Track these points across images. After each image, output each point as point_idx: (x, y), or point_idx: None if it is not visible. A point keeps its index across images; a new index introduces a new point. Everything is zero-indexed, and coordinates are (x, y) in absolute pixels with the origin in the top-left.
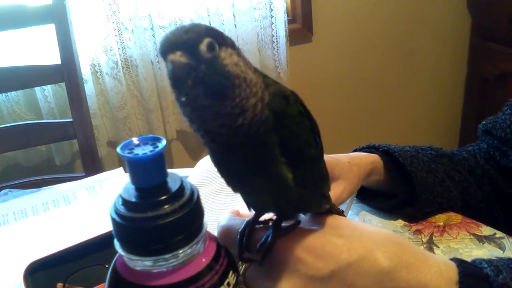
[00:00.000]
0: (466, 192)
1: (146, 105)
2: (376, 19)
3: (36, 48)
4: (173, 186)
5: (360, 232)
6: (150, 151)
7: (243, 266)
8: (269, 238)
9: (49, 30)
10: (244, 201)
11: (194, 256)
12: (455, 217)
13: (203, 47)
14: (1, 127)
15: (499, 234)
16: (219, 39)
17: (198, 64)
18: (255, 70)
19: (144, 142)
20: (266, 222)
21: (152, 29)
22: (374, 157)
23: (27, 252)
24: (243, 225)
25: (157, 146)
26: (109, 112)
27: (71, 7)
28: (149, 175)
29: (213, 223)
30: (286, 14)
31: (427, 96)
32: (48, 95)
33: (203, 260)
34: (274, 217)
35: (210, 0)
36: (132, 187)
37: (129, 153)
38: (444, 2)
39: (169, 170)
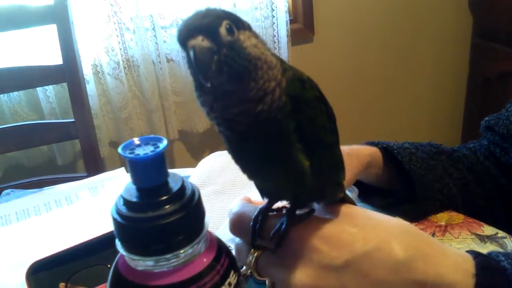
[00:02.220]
0: (464, 189)
1: (148, 106)
2: (377, 19)
3: (38, 48)
4: (174, 186)
5: (375, 222)
6: (151, 151)
7: (255, 254)
8: (283, 226)
9: (51, 31)
10: (257, 189)
11: (195, 256)
12: (457, 217)
13: (223, 30)
14: (3, 127)
15: (501, 233)
16: (237, 22)
17: (220, 48)
18: (273, 53)
19: (145, 142)
20: (279, 210)
21: (153, 29)
22: (373, 150)
23: (30, 252)
24: (256, 212)
25: (158, 147)
26: (110, 113)
27: (72, 7)
28: (150, 175)
29: (215, 223)
30: (287, 14)
31: (429, 95)
32: (50, 95)
33: (204, 260)
34: (288, 205)
35: (211, 0)
36: (133, 187)
37: (130, 153)
38: (446, 2)
39: (170, 170)
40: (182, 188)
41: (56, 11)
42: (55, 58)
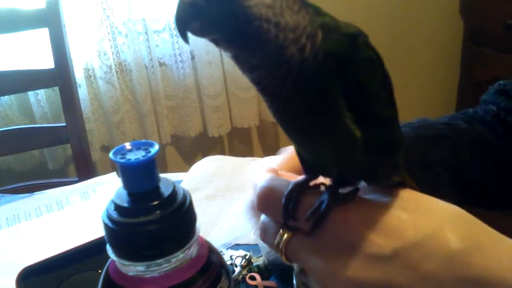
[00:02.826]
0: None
1: (140, 110)
2: (370, 24)
3: (30, 52)
4: (166, 191)
5: (426, 206)
6: (143, 156)
7: (285, 236)
8: (323, 205)
9: (43, 34)
10: (299, 159)
11: (186, 261)
12: None
13: None
14: None
15: None
16: None
17: (209, 4)
18: (302, 7)
19: (136, 147)
20: (316, 186)
21: (146, 33)
22: None
23: (20, 257)
24: (290, 187)
25: (150, 151)
26: (102, 117)
27: (64, 11)
28: (142, 180)
29: (207, 228)
30: None
31: (420, 99)
32: (41, 99)
33: (196, 265)
34: (329, 183)
35: None
36: (124, 192)
37: (121, 158)
38: (437, 7)
39: (162, 175)
40: (174, 193)
41: (48, 14)
42: (47, 61)
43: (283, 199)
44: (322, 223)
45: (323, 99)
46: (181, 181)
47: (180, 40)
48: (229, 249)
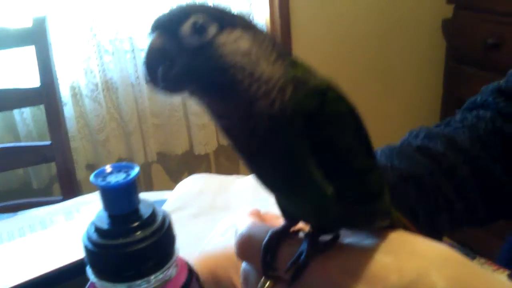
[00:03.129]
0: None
1: (126, 128)
2: (353, 44)
3: (15, 70)
4: (145, 212)
5: (412, 247)
6: (123, 179)
7: (266, 285)
8: (303, 255)
9: (29, 52)
10: (277, 206)
11: (166, 282)
12: None
13: (186, 28)
14: None
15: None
16: (223, 18)
17: (179, 50)
18: (279, 58)
19: (117, 169)
20: (296, 233)
21: (133, 51)
22: None
23: (2, 279)
24: (268, 236)
25: (130, 174)
26: (88, 135)
27: (51, 29)
28: (122, 203)
29: (192, 247)
30: None
31: (404, 117)
32: (26, 117)
33: (175, 285)
34: (309, 229)
35: None
36: (105, 214)
37: (102, 181)
38: (420, 26)
39: (148, 193)
40: (153, 214)
41: (35, 32)
42: (32, 79)
43: (262, 248)
44: (301, 274)
45: (290, 156)
46: (166, 199)
47: None
48: None
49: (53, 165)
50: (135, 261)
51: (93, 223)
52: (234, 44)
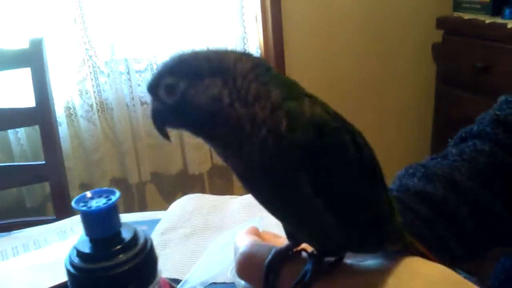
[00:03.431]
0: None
1: (120, 148)
2: (346, 65)
3: (11, 90)
4: (127, 236)
5: (414, 269)
6: (104, 204)
7: None
8: (308, 275)
9: (25, 73)
10: (283, 228)
11: None
12: None
13: (161, 91)
14: None
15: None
16: (193, 72)
17: (165, 108)
18: (272, 91)
19: (98, 195)
20: (299, 252)
21: (128, 73)
22: None
23: None
24: (271, 256)
25: (111, 199)
26: (82, 155)
27: (48, 50)
28: (103, 227)
29: (184, 266)
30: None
31: (397, 138)
32: (21, 137)
33: None
34: (312, 249)
35: (185, 43)
36: (86, 238)
37: (83, 206)
38: (410, 51)
39: (142, 213)
40: (135, 237)
41: (31, 54)
42: (28, 99)
43: (264, 268)
44: None
45: (289, 187)
46: (160, 219)
47: None
48: None
49: (46, 185)
50: (117, 284)
51: (75, 247)
52: (204, 93)
